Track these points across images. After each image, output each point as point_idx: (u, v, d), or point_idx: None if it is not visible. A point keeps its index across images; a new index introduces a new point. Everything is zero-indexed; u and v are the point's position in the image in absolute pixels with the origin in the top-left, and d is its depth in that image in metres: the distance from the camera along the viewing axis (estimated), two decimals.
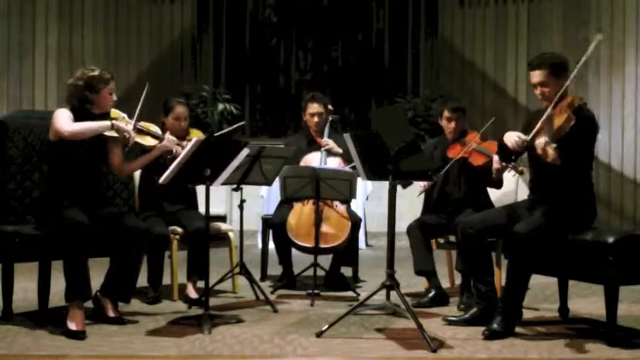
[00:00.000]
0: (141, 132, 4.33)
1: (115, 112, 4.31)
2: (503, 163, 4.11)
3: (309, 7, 11.11)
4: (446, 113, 5.00)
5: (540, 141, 3.78)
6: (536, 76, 4.03)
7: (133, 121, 4.26)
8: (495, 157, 4.22)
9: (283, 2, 11.16)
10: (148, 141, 4.35)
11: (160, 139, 4.40)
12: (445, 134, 5.07)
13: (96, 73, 4.20)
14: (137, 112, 4.30)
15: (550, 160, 3.74)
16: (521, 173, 4.15)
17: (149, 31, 10.14)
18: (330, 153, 5.45)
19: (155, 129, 4.47)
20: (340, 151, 5.37)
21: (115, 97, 4.27)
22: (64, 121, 4.06)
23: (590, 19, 8.98)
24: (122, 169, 4.45)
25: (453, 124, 4.97)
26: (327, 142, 5.45)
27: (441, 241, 5.14)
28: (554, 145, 3.71)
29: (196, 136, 4.86)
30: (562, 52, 4.03)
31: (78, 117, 4.16)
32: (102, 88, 4.18)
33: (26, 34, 9.17)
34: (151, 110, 4.67)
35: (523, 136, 3.90)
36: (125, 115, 4.32)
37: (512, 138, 3.92)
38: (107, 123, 4.12)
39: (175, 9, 10.36)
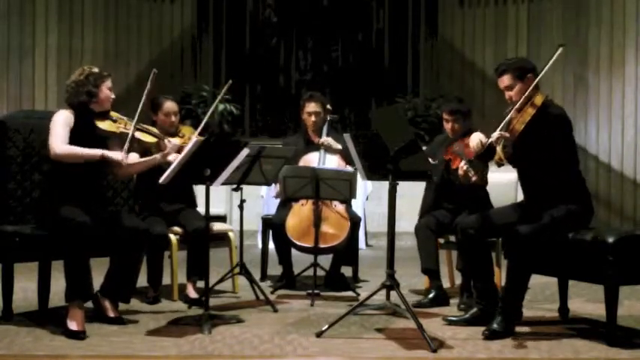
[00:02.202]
0: (141, 130, 4.33)
1: (114, 114, 4.31)
2: (465, 168, 4.15)
3: (309, 7, 11.12)
4: (444, 115, 5.08)
5: (494, 134, 3.91)
6: (503, 81, 4.13)
7: (133, 123, 4.27)
8: (461, 163, 4.22)
9: (283, 2, 11.16)
10: (148, 138, 4.35)
11: (159, 138, 4.39)
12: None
13: (95, 69, 4.28)
14: (139, 108, 4.31)
15: (496, 158, 3.89)
16: (468, 182, 4.22)
17: (149, 31, 10.15)
18: (328, 150, 5.44)
19: (155, 130, 4.47)
20: (339, 146, 5.36)
21: (112, 95, 4.29)
22: (58, 138, 4.07)
23: (590, 19, 8.99)
24: (122, 170, 4.44)
25: (450, 125, 5.01)
26: (326, 139, 5.44)
27: (442, 241, 5.15)
28: (501, 146, 3.86)
29: (187, 131, 4.86)
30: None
31: (79, 117, 4.16)
32: (101, 84, 4.23)
33: (26, 35, 9.18)
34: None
35: (484, 140, 3.97)
36: (125, 118, 4.32)
37: (474, 140, 4.05)
38: (98, 153, 4.11)
39: (175, 9, 10.37)
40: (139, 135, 4.29)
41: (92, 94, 4.20)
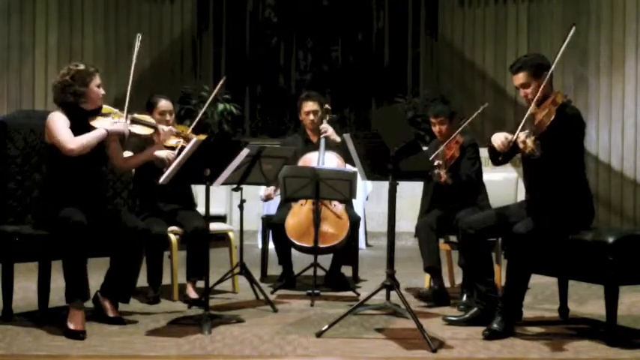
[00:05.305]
0: (135, 122, 4.32)
1: (106, 108, 4.30)
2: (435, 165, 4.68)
3: (309, 7, 11.12)
4: (430, 118, 5.12)
5: (521, 134, 3.86)
6: (518, 79, 4.10)
7: (124, 114, 4.26)
8: (435, 163, 4.67)
9: (283, 2, 11.16)
10: (144, 130, 4.34)
11: (154, 127, 4.38)
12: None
13: (81, 67, 4.21)
14: (127, 97, 4.29)
15: (528, 151, 3.81)
16: (444, 182, 4.76)
17: (149, 31, 10.14)
18: (328, 142, 5.40)
19: (149, 119, 4.46)
20: (338, 139, 5.34)
21: (102, 91, 4.26)
22: (66, 136, 4.06)
23: (590, 18, 8.99)
24: (122, 164, 4.45)
25: (437, 128, 5.03)
26: (326, 128, 5.42)
27: (442, 240, 5.15)
28: (532, 137, 3.79)
29: (182, 130, 4.86)
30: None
31: (71, 117, 4.15)
32: (90, 81, 4.17)
33: (26, 35, 9.18)
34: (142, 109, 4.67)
35: (509, 137, 3.94)
36: (117, 110, 4.31)
37: (499, 139, 4.01)
38: (103, 131, 4.13)
39: (175, 9, 10.36)
40: (135, 129, 4.28)
41: (80, 94, 4.15)
